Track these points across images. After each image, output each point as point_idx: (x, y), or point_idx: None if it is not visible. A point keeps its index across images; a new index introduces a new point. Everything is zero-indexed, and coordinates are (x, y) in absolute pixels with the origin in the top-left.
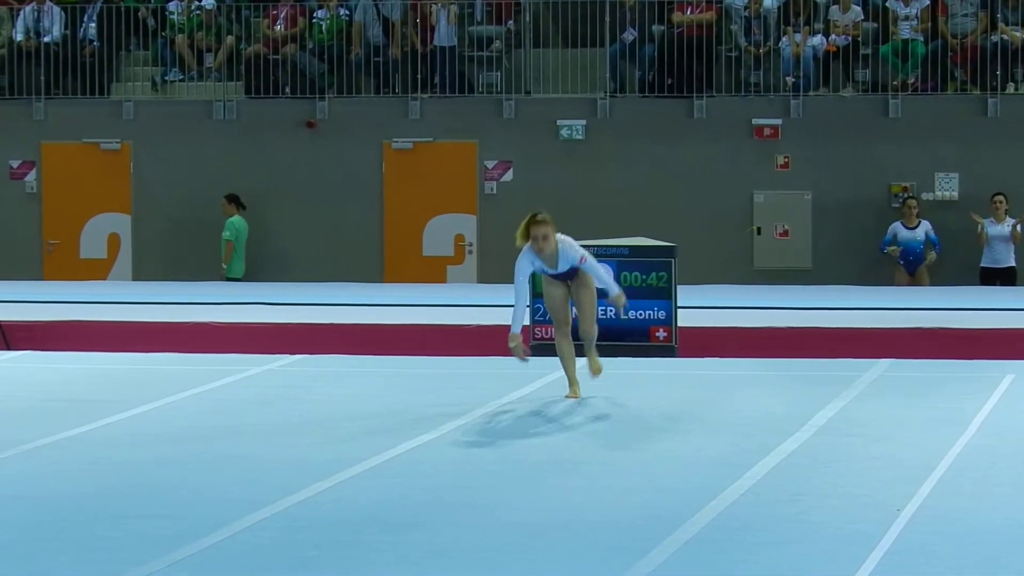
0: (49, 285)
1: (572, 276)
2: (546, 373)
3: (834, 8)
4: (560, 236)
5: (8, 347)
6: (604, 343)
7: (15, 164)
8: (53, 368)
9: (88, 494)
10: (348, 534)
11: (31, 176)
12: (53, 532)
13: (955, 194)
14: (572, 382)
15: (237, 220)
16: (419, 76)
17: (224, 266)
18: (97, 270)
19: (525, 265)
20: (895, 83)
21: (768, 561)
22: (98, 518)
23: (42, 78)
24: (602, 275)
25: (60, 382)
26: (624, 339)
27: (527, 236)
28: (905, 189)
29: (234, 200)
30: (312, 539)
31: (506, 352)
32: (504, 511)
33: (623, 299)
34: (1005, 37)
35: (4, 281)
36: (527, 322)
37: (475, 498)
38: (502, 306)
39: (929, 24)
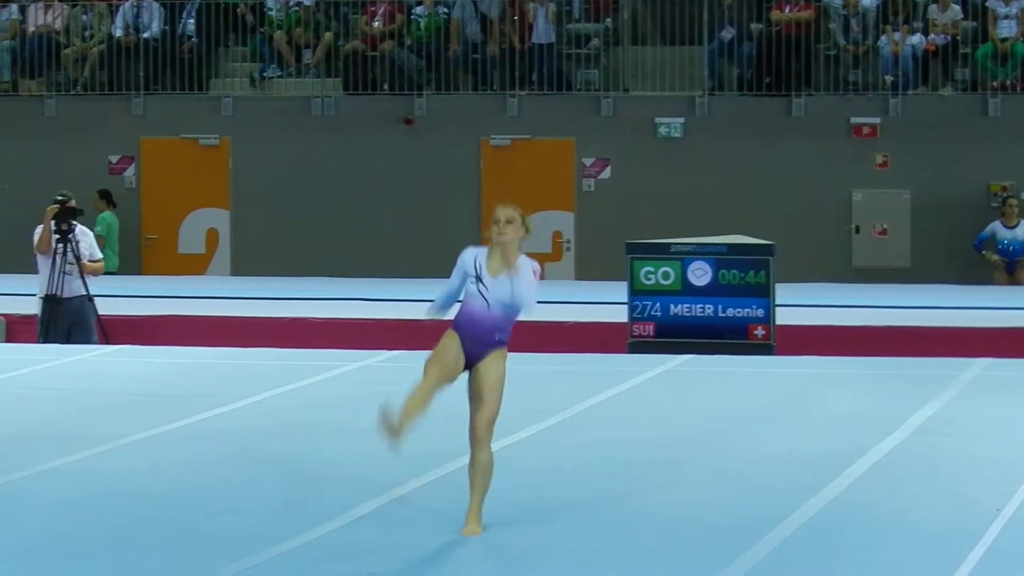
0: (148, 280)
1: (490, 326)
2: (643, 371)
3: (933, 7)
4: (524, 257)
5: (107, 341)
6: (702, 340)
7: (114, 159)
8: (151, 363)
9: (185, 489)
10: (445, 532)
11: (130, 171)
12: (150, 526)
13: None
14: (399, 427)
15: (108, 216)
16: (517, 73)
17: None
18: (195, 265)
19: (468, 259)
20: (995, 83)
21: (865, 561)
22: (195, 513)
23: (141, 74)
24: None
25: (158, 377)
26: (722, 337)
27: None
28: (1004, 188)
29: (105, 196)
30: (408, 536)
31: (602, 349)
32: (599, 510)
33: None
34: None
35: (103, 276)
36: (444, 316)
37: (570, 497)
38: (600, 303)
39: None
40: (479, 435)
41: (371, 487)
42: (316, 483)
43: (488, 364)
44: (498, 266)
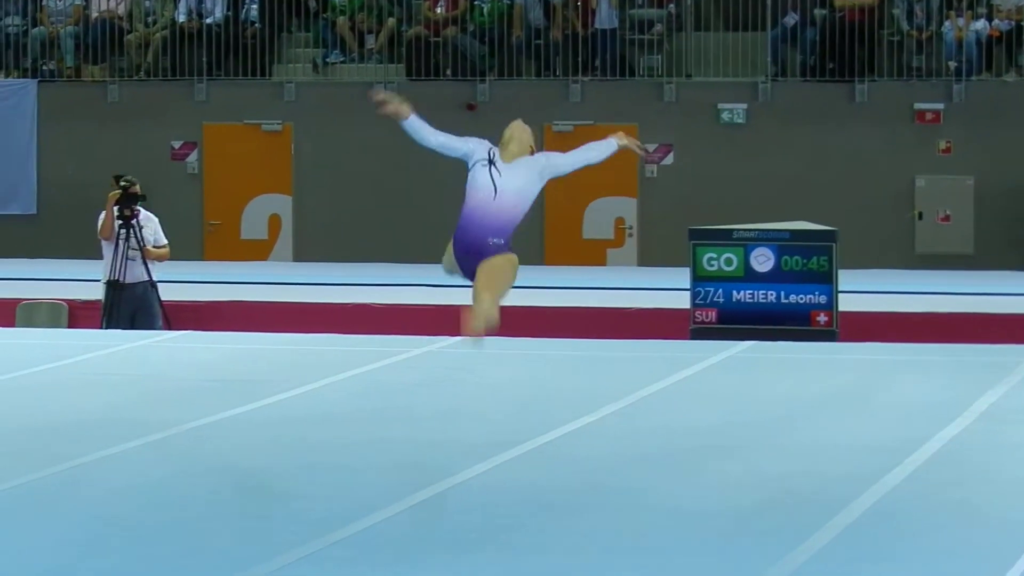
0: (210, 265)
1: (487, 231)
2: (704, 357)
3: None
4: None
5: (170, 327)
6: (765, 327)
7: (176, 145)
8: (214, 348)
9: (247, 474)
10: (504, 517)
11: (192, 157)
12: (213, 511)
13: None
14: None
15: None
16: (580, 59)
17: None
18: (258, 251)
19: (478, 143)
20: None
21: (929, 547)
22: (256, 498)
23: (204, 59)
24: (587, 154)
25: (220, 362)
26: (784, 323)
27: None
28: None
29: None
30: (468, 522)
31: (665, 335)
32: (661, 496)
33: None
34: None
35: (166, 261)
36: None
37: (631, 483)
38: (664, 289)
39: None
40: (477, 290)
41: (431, 472)
42: (377, 470)
43: (491, 258)
44: (516, 152)
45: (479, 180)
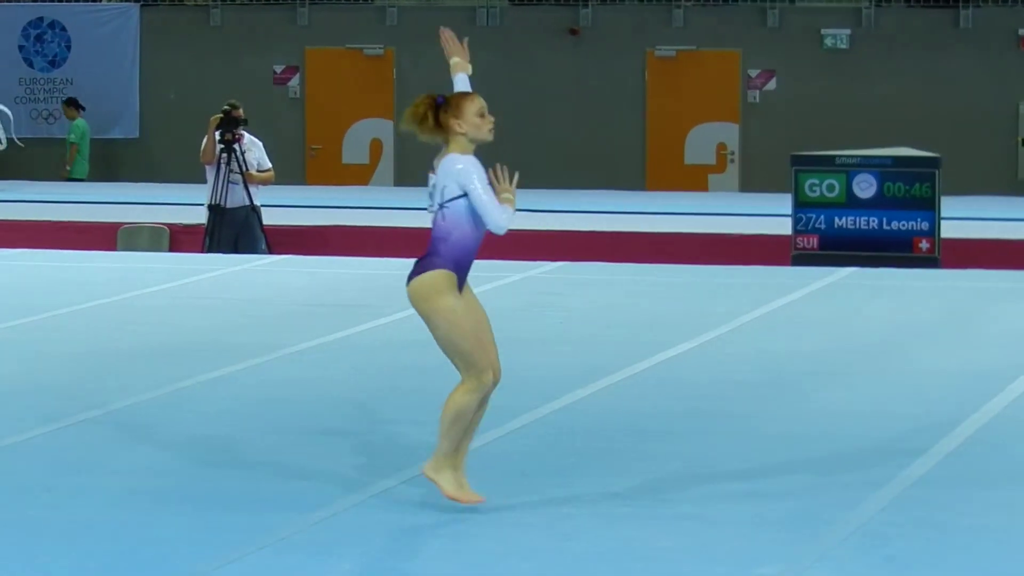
0: (311, 190)
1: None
2: (805, 284)
3: None
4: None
5: (271, 251)
6: (866, 253)
7: (279, 69)
8: (315, 273)
9: (347, 398)
10: (606, 442)
11: (294, 81)
12: (316, 435)
13: None
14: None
15: (81, 123)
16: None
17: (68, 168)
18: (359, 175)
19: (480, 167)
20: None
21: None
22: (357, 422)
23: None
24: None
25: (321, 287)
26: (886, 250)
27: (445, 119)
28: None
29: (73, 103)
30: (570, 446)
31: (766, 261)
32: (762, 422)
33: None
34: None
35: (269, 185)
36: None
37: (732, 408)
38: (764, 215)
39: None
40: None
41: (532, 397)
42: None
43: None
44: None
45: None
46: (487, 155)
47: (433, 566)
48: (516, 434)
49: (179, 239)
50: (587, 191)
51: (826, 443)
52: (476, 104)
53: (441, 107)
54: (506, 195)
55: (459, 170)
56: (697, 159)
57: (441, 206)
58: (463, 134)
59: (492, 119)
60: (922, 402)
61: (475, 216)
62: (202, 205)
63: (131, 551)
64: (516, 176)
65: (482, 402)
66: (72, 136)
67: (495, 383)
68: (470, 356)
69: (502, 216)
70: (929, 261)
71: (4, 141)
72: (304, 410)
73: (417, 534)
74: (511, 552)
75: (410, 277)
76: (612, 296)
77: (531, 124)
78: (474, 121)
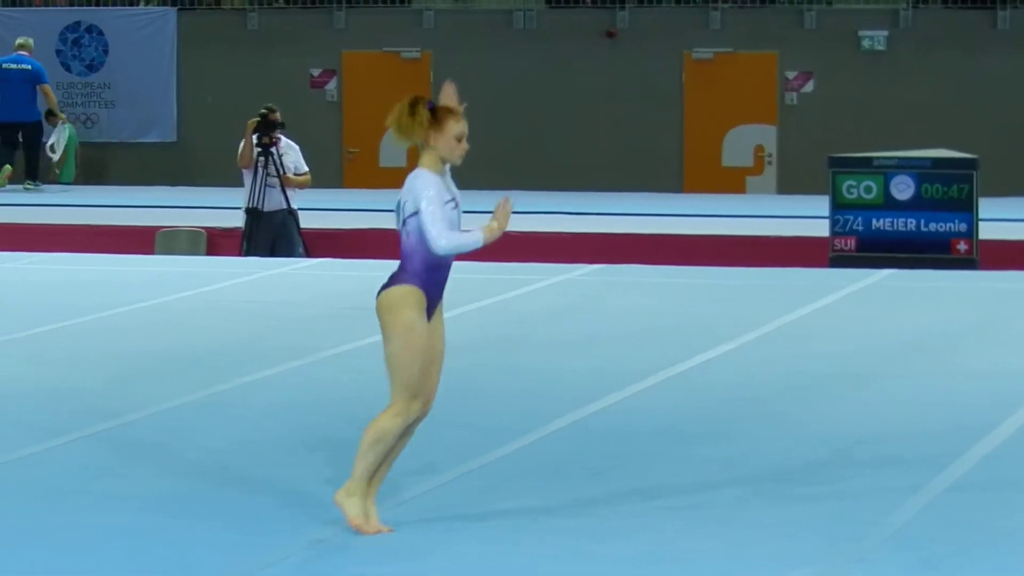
0: (348, 193)
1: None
2: (843, 286)
3: None
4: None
5: (308, 255)
6: (904, 255)
7: (316, 73)
8: (352, 276)
9: (384, 402)
10: (642, 444)
11: (331, 84)
12: (352, 438)
13: None
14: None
15: (70, 127)
16: None
17: (58, 172)
18: (396, 178)
19: (438, 184)
20: None
21: None
22: None
23: None
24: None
25: (359, 290)
26: (924, 251)
27: (431, 123)
28: None
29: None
30: (607, 449)
31: (804, 263)
32: (798, 424)
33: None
34: None
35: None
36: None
37: (769, 411)
38: (802, 217)
39: None
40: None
41: (569, 400)
42: (515, 396)
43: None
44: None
45: (452, 222)
46: (531, 158)
47: (471, 570)
48: (553, 436)
49: (216, 242)
50: (624, 193)
51: (864, 446)
52: (458, 127)
53: (431, 111)
54: (492, 223)
55: (416, 186)
56: (735, 161)
57: (404, 222)
58: (434, 148)
59: (467, 147)
60: (959, 404)
61: None
62: (239, 208)
63: (162, 557)
64: (511, 202)
65: (406, 431)
66: (70, 142)
67: (422, 415)
68: (408, 380)
69: (440, 238)
70: (967, 263)
71: (59, 152)
72: (341, 412)
73: (452, 537)
74: (548, 555)
75: (380, 289)
76: (649, 299)
77: (568, 127)
78: (450, 143)
